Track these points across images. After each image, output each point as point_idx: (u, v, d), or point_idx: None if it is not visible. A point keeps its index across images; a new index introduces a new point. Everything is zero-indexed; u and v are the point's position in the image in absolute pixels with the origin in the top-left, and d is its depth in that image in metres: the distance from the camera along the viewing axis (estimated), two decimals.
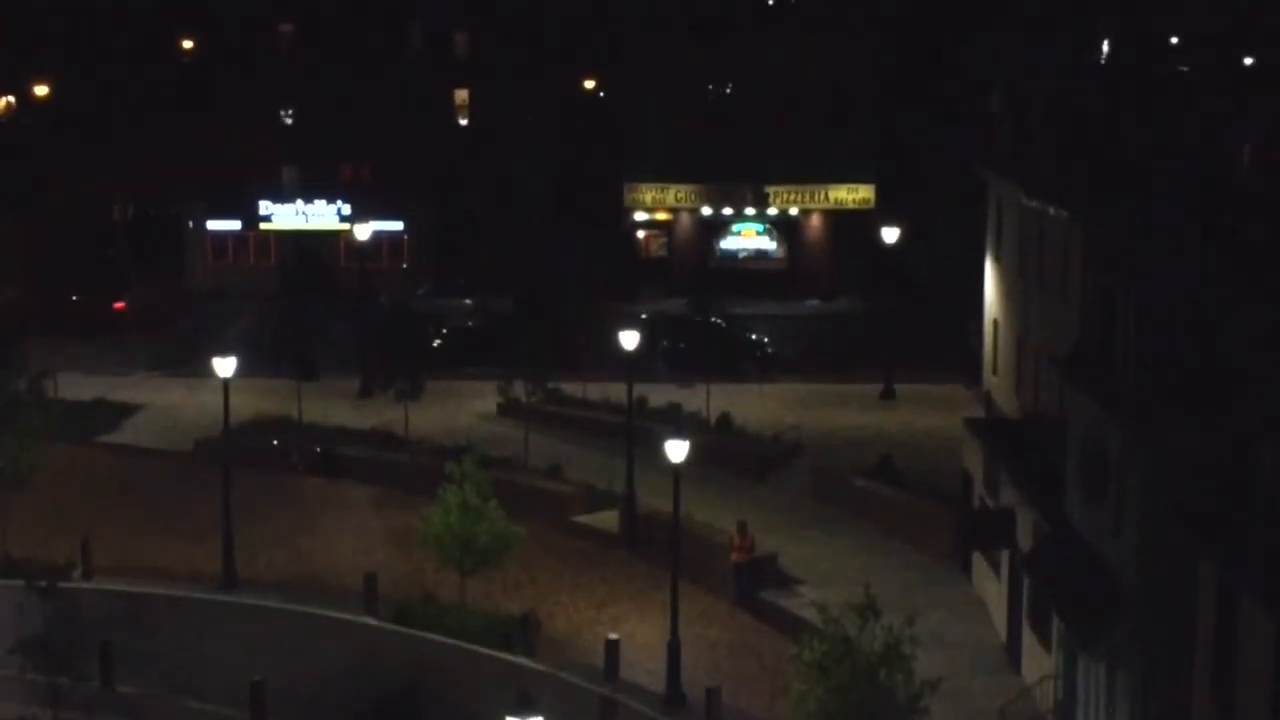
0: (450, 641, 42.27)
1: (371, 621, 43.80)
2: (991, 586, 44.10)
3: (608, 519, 51.36)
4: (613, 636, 41.05)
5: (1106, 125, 49.29)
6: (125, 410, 62.80)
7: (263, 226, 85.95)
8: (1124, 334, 33.58)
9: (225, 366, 46.52)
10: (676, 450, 39.68)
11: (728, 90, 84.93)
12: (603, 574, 47.66)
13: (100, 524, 50.62)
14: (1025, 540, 39.98)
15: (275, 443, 56.63)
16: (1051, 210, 50.42)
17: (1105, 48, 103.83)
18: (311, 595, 45.79)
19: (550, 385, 58.46)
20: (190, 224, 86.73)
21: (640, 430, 52.54)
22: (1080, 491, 35.51)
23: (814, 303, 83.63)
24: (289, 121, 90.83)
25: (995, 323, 60.71)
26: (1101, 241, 38.39)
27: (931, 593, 45.41)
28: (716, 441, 56.46)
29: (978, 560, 45.59)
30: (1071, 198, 48.62)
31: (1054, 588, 35.64)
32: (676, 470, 39.94)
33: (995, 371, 60.58)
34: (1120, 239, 36.65)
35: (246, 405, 60.16)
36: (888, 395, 64.23)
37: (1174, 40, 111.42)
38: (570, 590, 46.33)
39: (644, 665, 41.18)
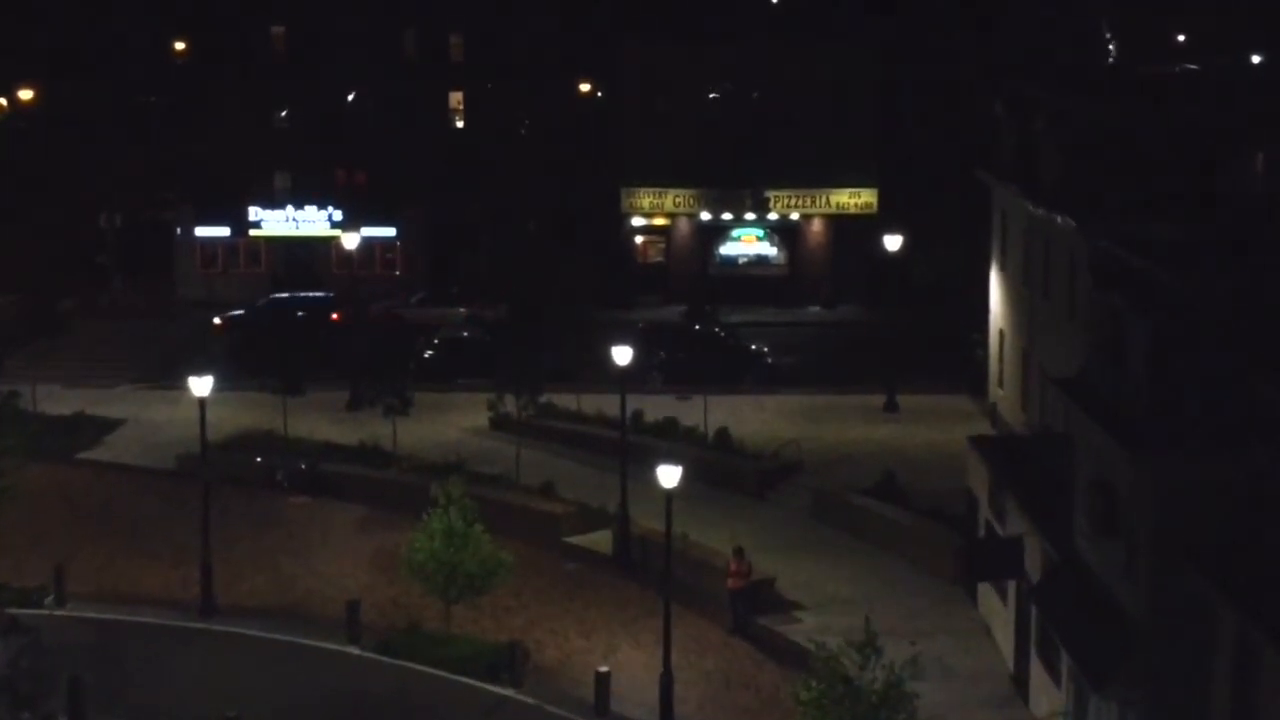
0: (435, 673, 40.86)
1: (354, 651, 42.38)
2: (998, 613, 42.53)
3: (600, 540, 49.88)
4: (603, 669, 39.52)
5: (1114, 132, 47.75)
6: (107, 425, 61.15)
7: (253, 233, 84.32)
8: (1134, 359, 31.98)
9: (202, 385, 44.96)
10: (669, 476, 38.18)
11: (727, 93, 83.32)
12: (594, 598, 46.13)
13: (77, 546, 49.22)
14: (1034, 569, 38.38)
15: (259, 460, 55.08)
16: (1058, 219, 48.97)
17: (1110, 47, 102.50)
18: (293, 623, 44.30)
19: (542, 401, 56.66)
20: (179, 230, 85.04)
21: (636, 446, 51.19)
22: (1088, 524, 33.91)
23: (815, 310, 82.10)
24: (282, 125, 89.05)
25: (1001, 334, 59.28)
26: (1109, 257, 36.74)
27: (935, 618, 43.99)
28: (714, 458, 55.00)
29: (984, 585, 44.00)
30: (1077, 207, 47.17)
31: (1063, 624, 34.05)
32: (669, 497, 38.45)
33: (1001, 384, 59.13)
34: (1129, 255, 34.98)
35: (230, 419, 58.87)
36: (890, 408, 62.64)
37: (1181, 39, 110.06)
38: (560, 616, 44.78)
39: (636, 697, 39.72)
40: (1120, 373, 33.07)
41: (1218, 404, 30.76)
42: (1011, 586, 40.74)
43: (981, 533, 44.24)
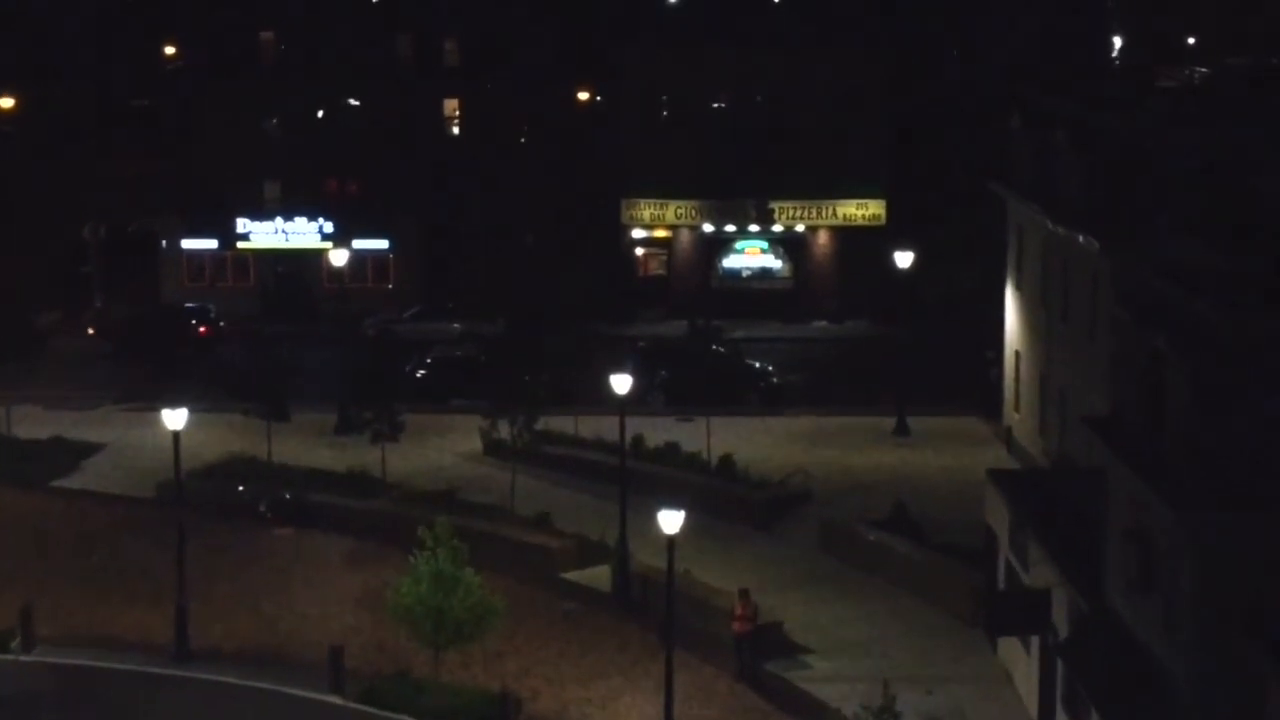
0: None
1: (337, 701, 39.81)
2: (1020, 660, 40.07)
3: (600, 576, 47.42)
4: None
5: (1140, 146, 45.41)
6: (85, 450, 58.67)
7: (241, 245, 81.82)
8: (1175, 403, 29.50)
9: (175, 419, 42.42)
10: (670, 521, 35.75)
11: (730, 101, 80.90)
12: (593, 641, 43.60)
13: (49, 583, 46.72)
14: (1060, 618, 35.93)
15: (241, 489, 52.64)
16: (1079, 239, 46.64)
17: (1117, 49, 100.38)
18: (273, 668, 41.69)
19: (538, 428, 53.92)
20: (165, 243, 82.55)
21: (636, 473, 49.01)
22: (1123, 577, 31.46)
23: (822, 324, 79.76)
24: (271, 133, 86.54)
25: (1016, 354, 56.96)
26: (1145, 289, 34.27)
27: (952, 663, 41.74)
28: (717, 487, 52.67)
29: None
30: (1100, 226, 44.83)
31: (1096, 684, 31.59)
32: (671, 544, 36.01)
33: (1017, 408, 56.79)
34: (1168, 288, 32.50)
35: (213, 444, 56.67)
36: (901, 430, 60.23)
37: (1191, 41, 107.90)
38: (556, 661, 42.28)
39: None
40: (1159, 415, 30.63)
41: (1267, 452, 28.34)
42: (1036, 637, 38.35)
43: (1001, 572, 41.84)
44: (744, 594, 41.56)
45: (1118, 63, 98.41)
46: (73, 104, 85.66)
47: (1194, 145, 43.43)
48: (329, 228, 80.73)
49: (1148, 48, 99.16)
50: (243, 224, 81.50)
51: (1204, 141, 43.62)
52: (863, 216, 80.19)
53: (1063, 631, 35.34)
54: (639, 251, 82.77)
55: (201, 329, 74.07)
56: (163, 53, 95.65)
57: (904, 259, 62.74)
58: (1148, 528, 30.25)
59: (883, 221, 79.31)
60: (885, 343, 70.09)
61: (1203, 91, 60.11)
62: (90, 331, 74.46)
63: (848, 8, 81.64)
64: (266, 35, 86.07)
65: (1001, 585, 41.77)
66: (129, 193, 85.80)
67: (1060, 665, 35.62)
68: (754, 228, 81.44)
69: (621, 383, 46.16)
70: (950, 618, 44.19)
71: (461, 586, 39.01)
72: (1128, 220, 43.17)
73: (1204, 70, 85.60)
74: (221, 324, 75.44)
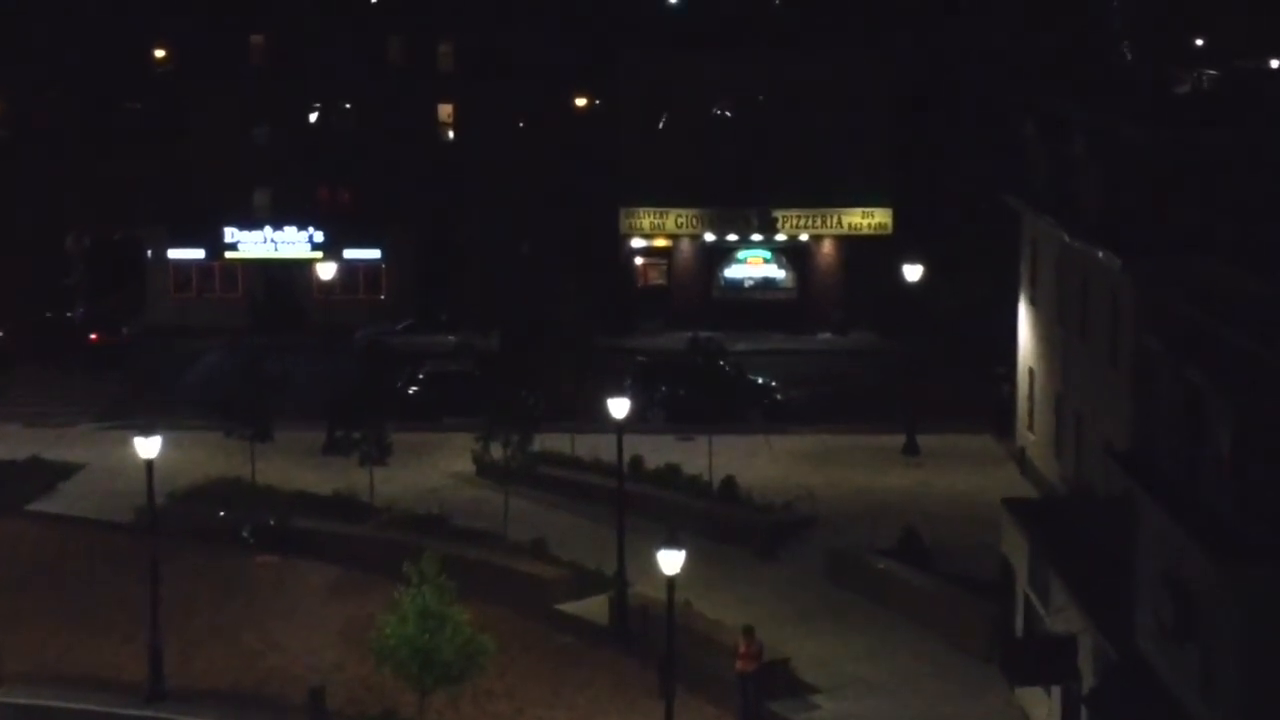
0: None
1: None
2: (1039, 700, 37.89)
3: (597, 608, 45.26)
4: None
5: (1163, 156, 43.24)
6: (62, 471, 56.58)
7: (229, 255, 79.78)
8: (1214, 444, 27.32)
9: (148, 447, 40.30)
10: (670, 561, 33.63)
11: (732, 107, 78.88)
12: (589, 678, 41.49)
13: (20, 615, 44.69)
14: (1085, 664, 33.77)
15: (222, 514, 50.52)
16: (1099, 254, 44.49)
17: (1126, 53, 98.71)
18: (251, 709, 39.66)
19: (533, 448, 51.69)
20: (150, 252, 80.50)
21: (636, 496, 47.38)
22: (1155, 624, 29.31)
23: (826, 337, 77.77)
24: (261, 140, 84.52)
25: (1030, 372, 54.84)
26: (1170, 311, 32.13)
27: (966, 703, 39.59)
28: (720, 511, 50.64)
29: None
30: (1121, 241, 42.71)
31: None
32: (670, 584, 33.91)
33: (1031, 428, 54.64)
34: (1199, 313, 30.36)
35: (196, 465, 54.77)
36: (910, 450, 58.12)
37: (1199, 42, 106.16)
38: (550, 701, 40.15)
39: None
40: (1194, 452, 28.46)
41: None
42: None
43: (1020, 608, 39.67)
44: (749, 631, 39.44)
45: (1129, 64, 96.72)
46: (58, 107, 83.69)
47: (1225, 152, 41.22)
48: (319, 237, 78.89)
49: (1155, 50, 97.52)
50: (231, 233, 79.58)
51: (1236, 148, 41.40)
52: (869, 225, 78.26)
53: (1088, 679, 33.20)
54: (639, 261, 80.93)
55: (92, 335, 71.96)
56: (152, 55, 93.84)
57: (913, 272, 60.59)
58: (1185, 574, 28.11)
59: (889, 231, 77.48)
60: (892, 357, 68.09)
61: (1221, 94, 57.95)
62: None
63: (853, 11, 79.81)
64: (257, 39, 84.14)
65: (1020, 622, 39.65)
66: (114, 200, 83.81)
67: (1085, 715, 33.51)
68: (756, 237, 79.60)
69: (619, 406, 44.05)
70: (964, 653, 42.05)
71: (449, 625, 36.89)
72: (1151, 235, 41.02)
73: (1213, 72, 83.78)
74: (124, 330, 73.69)
